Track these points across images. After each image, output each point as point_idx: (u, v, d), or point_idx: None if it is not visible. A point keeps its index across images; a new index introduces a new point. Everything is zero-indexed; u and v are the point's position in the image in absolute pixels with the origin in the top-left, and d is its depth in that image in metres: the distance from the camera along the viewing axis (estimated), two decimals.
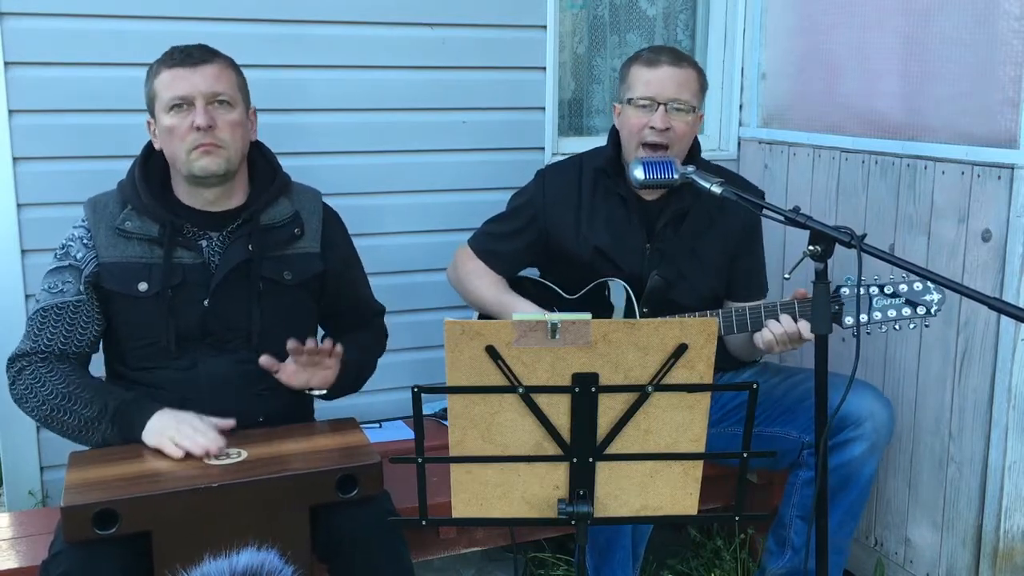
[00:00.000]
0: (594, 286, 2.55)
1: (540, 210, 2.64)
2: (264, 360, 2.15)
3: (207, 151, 2.12)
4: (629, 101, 2.50)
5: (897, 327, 2.26)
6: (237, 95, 2.18)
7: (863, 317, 2.23)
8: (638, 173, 2.26)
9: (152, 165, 2.20)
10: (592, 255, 2.57)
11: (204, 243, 2.18)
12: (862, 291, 2.24)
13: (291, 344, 2.13)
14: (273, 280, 2.21)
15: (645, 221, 2.57)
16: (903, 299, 2.23)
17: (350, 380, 2.31)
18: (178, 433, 2.03)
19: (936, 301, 2.24)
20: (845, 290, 2.24)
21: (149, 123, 2.19)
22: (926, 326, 2.27)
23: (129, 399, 2.10)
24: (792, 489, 2.59)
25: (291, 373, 2.17)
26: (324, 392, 2.25)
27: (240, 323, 2.18)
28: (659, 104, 2.45)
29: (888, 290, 2.24)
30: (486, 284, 2.64)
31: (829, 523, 2.45)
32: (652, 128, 2.44)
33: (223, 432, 2.08)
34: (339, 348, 2.18)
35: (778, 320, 2.30)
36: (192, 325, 2.16)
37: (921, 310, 2.24)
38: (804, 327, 2.26)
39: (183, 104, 2.10)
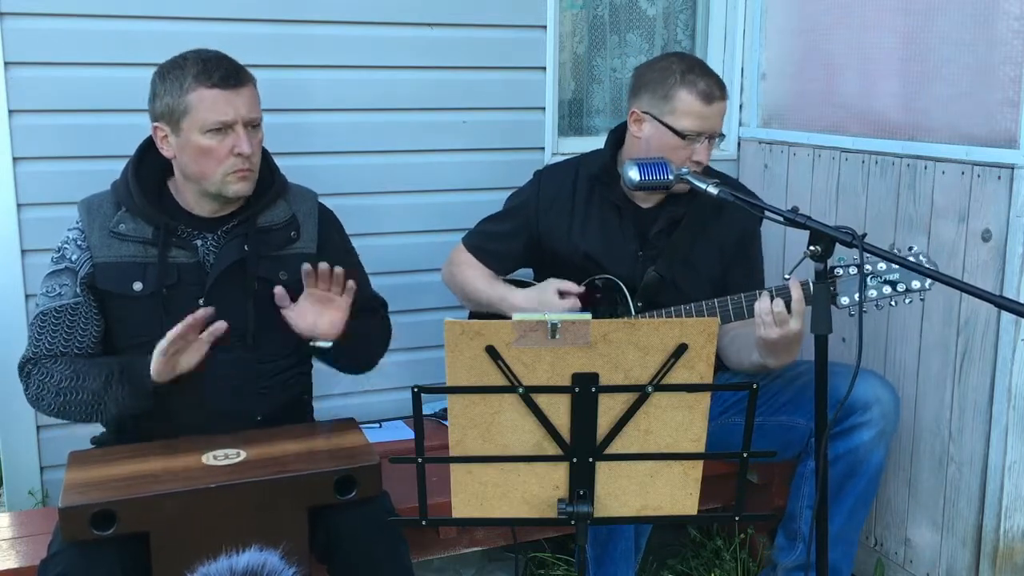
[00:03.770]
0: (587, 284, 2.55)
1: (534, 213, 2.63)
2: (278, 291, 2.13)
3: (244, 176, 2.13)
4: (671, 128, 2.43)
5: (893, 304, 2.25)
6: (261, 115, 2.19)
7: (856, 297, 2.21)
8: (633, 174, 2.25)
9: (146, 166, 2.19)
10: (583, 261, 2.57)
11: (199, 243, 2.18)
12: (853, 271, 2.23)
13: (306, 266, 2.12)
14: (268, 280, 2.20)
15: (638, 228, 2.56)
16: (895, 276, 2.23)
17: (356, 343, 2.26)
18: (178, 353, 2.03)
19: None
20: (838, 271, 2.23)
21: (158, 129, 2.13)
22: (921, 300, 2.26)
23: (129, 358, 2.10)
24: (801, 480, 2.57)
25: (300, 311, 2.15)
26: (328, 346, 2.18)
27: (236, 322, 2.18)
28: (706, 138, 2.44)
29: (880, 268, 2.23)
30: (478, 276, 2.64)
31: (839, 513, 2.47)
32: (695, 161, 2.43)
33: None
34: (351, 283, 2.15)
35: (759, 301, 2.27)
36: None
37: (915, 284, 2.23)
38: (779, 303, 2.22)
39: (223, 127, 2.09)
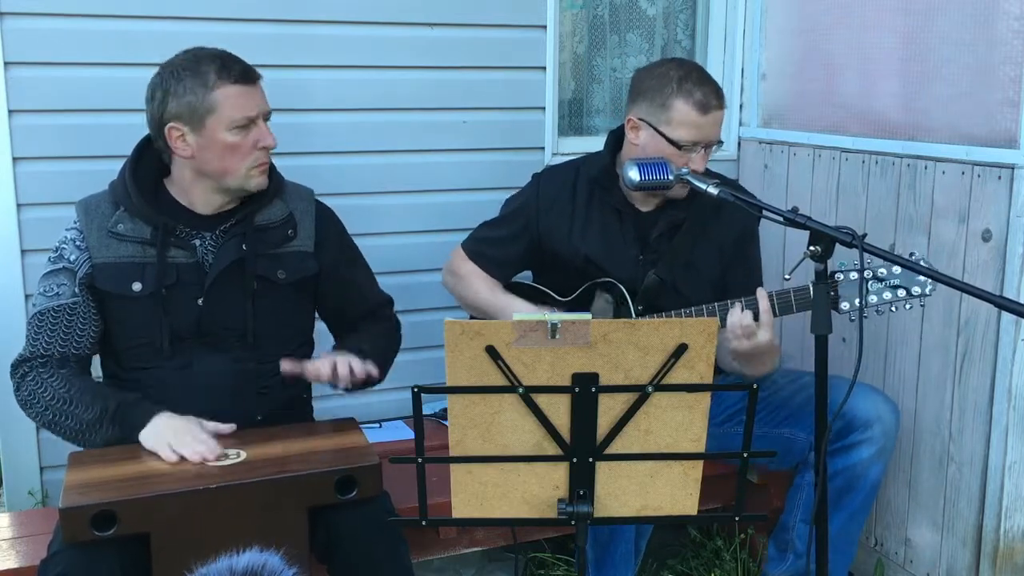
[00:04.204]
0: (587, 288, 2.55)
1: (534, 216, 2.62)
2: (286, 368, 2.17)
3: (264, 169, 2.17)
4: (666, 137, 2.40)
5: (894, 309, 2.25)
6: None
7: (857, 302, 2.22)
8: (633, 174, 2.25)
9: (143, 166, 2.19)
10: (583, 263, 2.56)
11: (198, 242, 2.17)
12: (854, 276, 2.23)
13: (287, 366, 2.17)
14: (267, 279, 2.20)
15: (639, 232, 2.56)
16: (897, 281, 2.23)
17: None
18: (175, 439, 2.02)
19: (930, 281, 2.22)
20: (839, 276, 2.23)
21: (173, 129, 2.09)
22: (922, 306, 2.26)
23: (129, 400, 2.09)
24: (796, 492, 2.58)
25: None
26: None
27: (235, 322, 2.18)
28: (703, 147, 2.42)
29: (881, 273, 2.23)
30: (480, 286, 2.63)
31: (832, 526, 2.45)
32: (692, 170, 2.38)
33: (223, 436, 2.08)
34: (356, 371, 2.17)
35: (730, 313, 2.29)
36: (187, 324, 2.16)
37: (916, 290, 2.23)
38: (747, 317, 2.24)
39: (248, 123, 2.11)
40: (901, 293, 2.24)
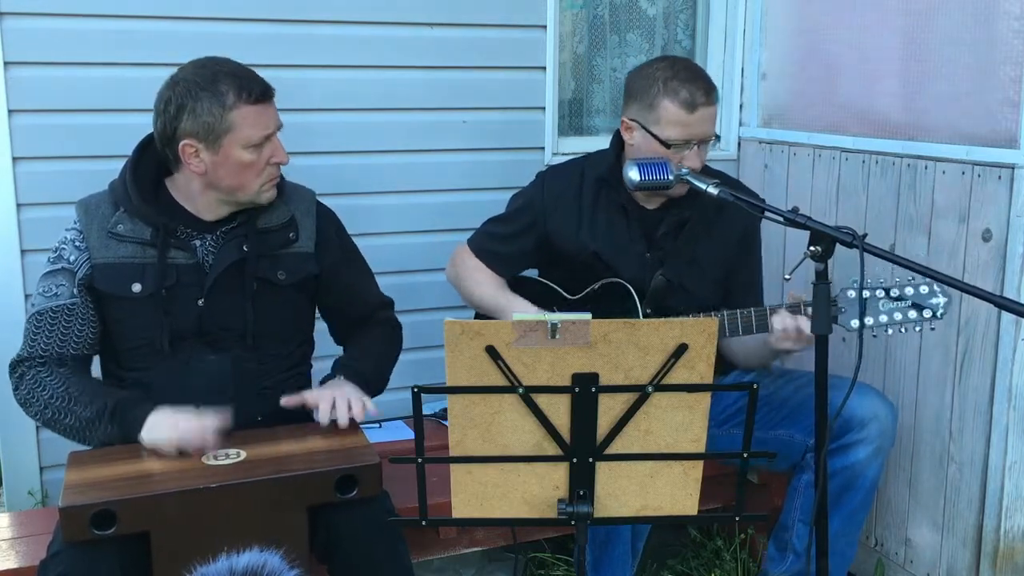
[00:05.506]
0: (596, 287, 2.55)
1: (539, 214, 2.62)
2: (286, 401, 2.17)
3: (275, 183, 2.18)
4: (657, 137, 2.40)
5: (903, 330, 2.22)
6: None
7: (868, 320, 2.18)
8: (633, 175, 2.25)
9: (143, 166, 2.18)
10: (591, 260, 2.56)
11: (198, 243, 2.17)
12: (866, 294, 2.20)
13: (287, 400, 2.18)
14: (267, 280, 2.20)
15: (645, 229, 2.56)
16: (908, 302, 2.19)
17: (373, 387, 2.33)
18: (174, 433, 2.01)
19: (942, 304, 2.19)
20: (851, 292, 2.19)
21: (188, 146, 2.07)
22: (932, 329, 2.24)
23: (127, 397, 2.09)
24: (795, 492, 2.57)
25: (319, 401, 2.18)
26: None
27: (235, 323, 2.18)
28: (695, 144, 2.41)
29: (894, 293, 2.19)
30: (485, 283, 2.63)
31: (831, 527, 2.44)
32: (689, 168, 2.38)
33: (223, 430, 2.07)
34: (355, 413, 2.16)
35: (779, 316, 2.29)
36: (187, 325, 2.15)
37: (927, 313, 2.19)
38: (803, 322, 2.25)
39: (263, 140, 2.11)
40: (912, 315, 2.19)
